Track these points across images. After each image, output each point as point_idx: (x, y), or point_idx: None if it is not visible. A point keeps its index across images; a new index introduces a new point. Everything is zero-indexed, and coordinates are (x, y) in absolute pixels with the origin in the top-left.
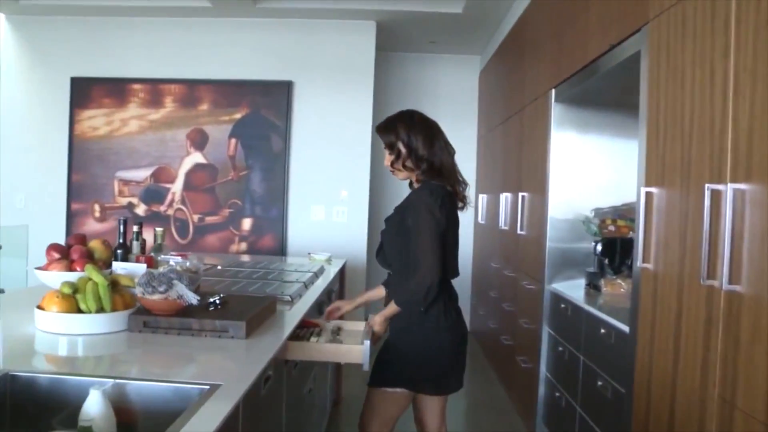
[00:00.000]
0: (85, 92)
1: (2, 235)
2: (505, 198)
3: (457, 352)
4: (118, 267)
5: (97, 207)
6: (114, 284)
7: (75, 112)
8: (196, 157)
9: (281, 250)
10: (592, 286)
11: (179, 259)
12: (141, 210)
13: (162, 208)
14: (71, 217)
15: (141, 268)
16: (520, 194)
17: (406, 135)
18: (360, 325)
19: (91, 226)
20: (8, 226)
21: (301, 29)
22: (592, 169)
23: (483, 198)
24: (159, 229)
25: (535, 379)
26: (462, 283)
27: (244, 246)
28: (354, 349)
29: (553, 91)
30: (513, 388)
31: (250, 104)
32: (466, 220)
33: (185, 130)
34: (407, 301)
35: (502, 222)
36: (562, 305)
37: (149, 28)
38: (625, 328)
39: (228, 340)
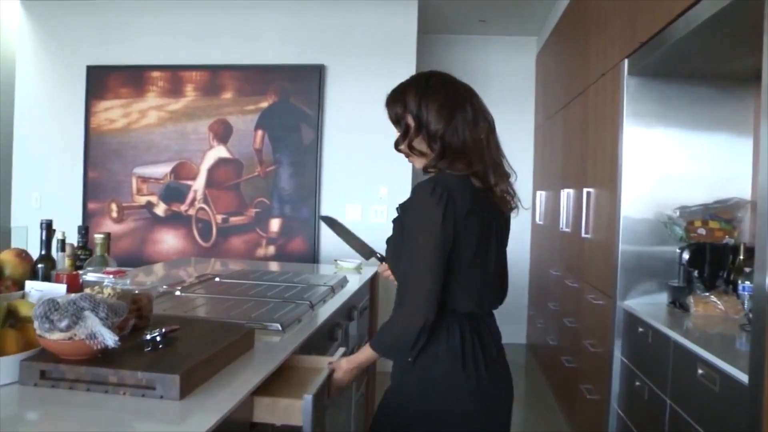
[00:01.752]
0: (101, 81)
1: (14, 237)
2: (566, 195)
3: (484, 428)
4: (32, 288)
5: (114, 206)
6: (11, 314)
7: (91, 103)
8: (220, 151)
9: (313, 256)
10: (678, 305)
11: (110, 278)
12: (161, 210)
13: (183, 208)
14: (88, 217)
15: (57, 290)
16: (585, 190)
17: (416, 104)
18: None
19: (108, 227)
20: (18, 226)
21: (333, 7)
22: (676, 158)
23: (541, 195)
24: (99, 236)
25: (604, 414)
26: (516, 291)
27: (272, 250)
28: (292, 405)
29: (626, 61)
30: (575, 420)
31: (277, 91)
32: (521, 221)
33: (207, 122)
34: (390, 348)
35: (563, 223)
36: (640, 329)
37: (168, 9)
38: (742, 377)
39: (156, 401)
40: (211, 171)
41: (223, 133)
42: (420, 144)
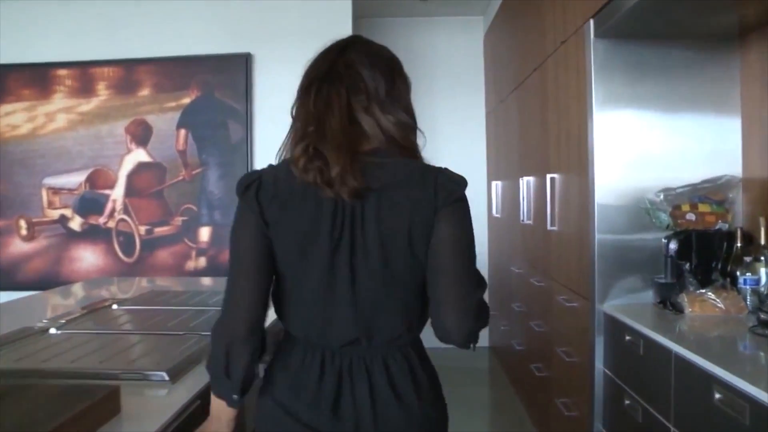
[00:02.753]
0: (0, 83)
1: None
2: (525, 184)
3: None
4: None
5: (23, 223)
6: None
7: None
8: (139, 155)
9: None
10: (669, 305)
11: None
12: (76, 224)
13: (101, 220)
14: None
15: None
16: (549, 177)
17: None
18: None
19: (17, 246)
20: None
21: None
22: (655, 133)
23: (496, 186)
24: None
25: None
26: None
27: (202, 262)
28: None
29: (591, 22)
30: None
31: (200, 85)
32: (475, 214)
33: (124, 123)
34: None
35: (524, 215)
36: (628, 337)
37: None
38: None
39: None
40: (131, 177)
41: (141, 134)
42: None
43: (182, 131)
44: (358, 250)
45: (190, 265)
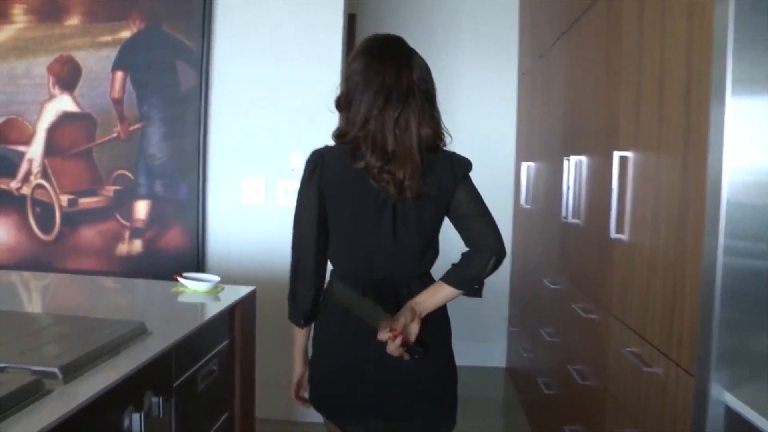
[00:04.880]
0: None
1: None
2: (574, 166)
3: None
4: None
5: None
6: None
7: None
8: (64, 103)
9: (197, 255)
10: None
11: None
12: None
13: (13, 185)
14: None
15: None
16: (617, 155)
17: (347, 66)
18: None
19: None
20: None
21: None
22: None
23: (528, 168)
24: None
25: None
26: (491, 296)
27: (138, 245)
28: None
29: None
30: None
31: (144, 14)
32: (496, 202)
33: (46, 60)
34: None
35: (568, 210)
36: None
37: None
38: None
39: None
40: (52, 131)
41: (68, 76)
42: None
43: (119, 74)
44: (399, 214)
45: (122, 248)
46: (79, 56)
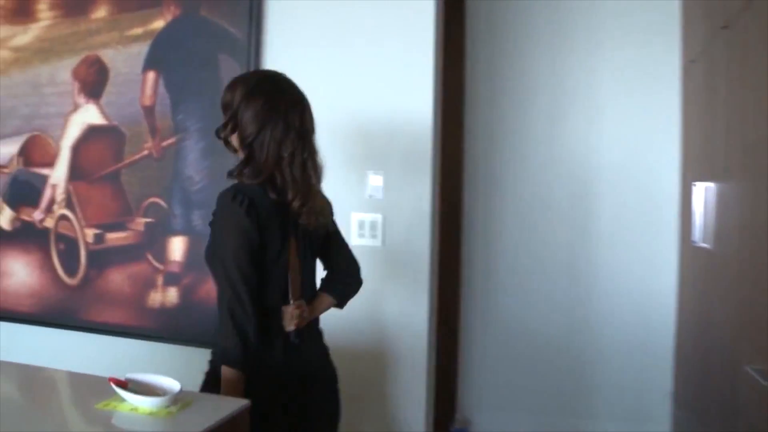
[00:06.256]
0: None
1: None
2: None
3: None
4: None
5: None
6: None
7: None
8: (89, 114)
9: None
10: None
11: None
12: (5, 220)
13: (36, 216)
14: None
15: None
16: None
17: (239, 101)
18: None
19: None
20: None
21: None
22: None
23: (705, 190)
24: None
25: None
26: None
27: (173, 295)
28: None
29: None
30: None
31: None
32: (651, 240)
33: (71, 62)
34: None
35: None
36: None
37: None
38: None
39: None
40: (77, 150)
41: (94, 80)
42: (235, 141)
43: (150, 75)
44: (308, 245)
45: (155, 298)
46: (107, 56)
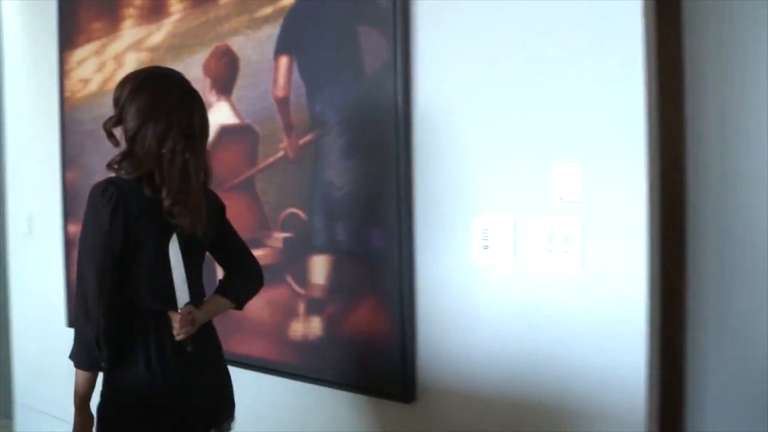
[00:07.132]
0: (72, 19)
1: None
2: None
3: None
4: None
5: None
6: None
7: (64, 58)
8: (222, 113)
9: (401, 345)
10: None
11: None
12: None
13: None
14: (69, 250)
15: None
16: None
17: (125, 96)
18: None
19: None
20: None
21: None
22: None
23: None
24: None
25: None
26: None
27: (317, 326)
28: None
29: None
30: None
31: None
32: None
33: (201, 56)
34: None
35: None
36: None
37: None
38: None
39: None
40: (212, 155)
41: (225, 74)
42: (119, 134)
43: (283, 60)
44: (192, 248)
45: (297, 329)
46: (236, 44)
